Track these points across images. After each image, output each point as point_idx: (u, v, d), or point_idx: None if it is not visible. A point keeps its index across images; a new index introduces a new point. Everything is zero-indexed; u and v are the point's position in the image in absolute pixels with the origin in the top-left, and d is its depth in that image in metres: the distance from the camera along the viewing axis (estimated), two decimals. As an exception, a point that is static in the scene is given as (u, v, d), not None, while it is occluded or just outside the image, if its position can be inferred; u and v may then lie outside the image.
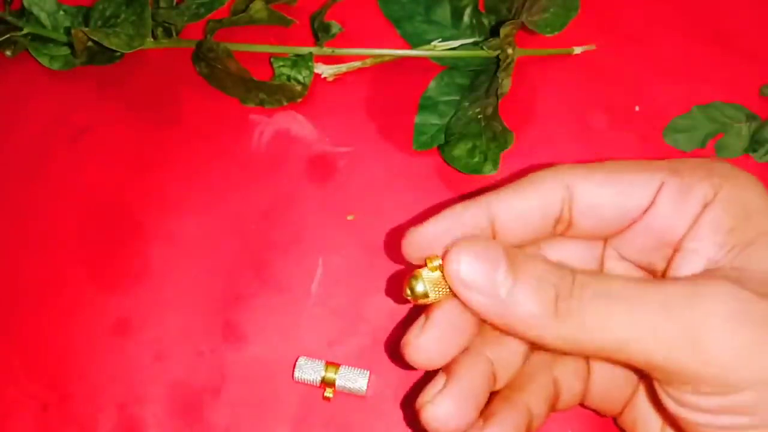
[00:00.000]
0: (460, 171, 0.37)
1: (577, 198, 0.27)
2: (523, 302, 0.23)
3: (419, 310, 0.27)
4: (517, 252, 0.24)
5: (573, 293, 0.23)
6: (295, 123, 0.41)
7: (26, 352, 0.36)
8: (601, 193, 0.26)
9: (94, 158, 0.40)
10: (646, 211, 0.26)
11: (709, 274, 0.25)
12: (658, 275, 0.28)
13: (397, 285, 0.37)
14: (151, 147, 0.40)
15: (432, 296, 0.25)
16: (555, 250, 0.29)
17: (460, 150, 0.37)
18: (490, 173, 0.37)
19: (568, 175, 0.27)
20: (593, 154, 0.40)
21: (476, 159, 0.37)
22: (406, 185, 0.39)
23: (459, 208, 0.26)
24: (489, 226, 0.26)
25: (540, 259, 0.25)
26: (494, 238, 0.27)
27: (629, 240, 0.28)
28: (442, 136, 0.39)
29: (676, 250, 0.26)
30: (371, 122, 0.41)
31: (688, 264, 0.25)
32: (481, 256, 0.24)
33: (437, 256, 0.25)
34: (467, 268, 0.24)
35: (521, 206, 0.27)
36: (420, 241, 0.26)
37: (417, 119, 0.40)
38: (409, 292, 0.25)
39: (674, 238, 0.26)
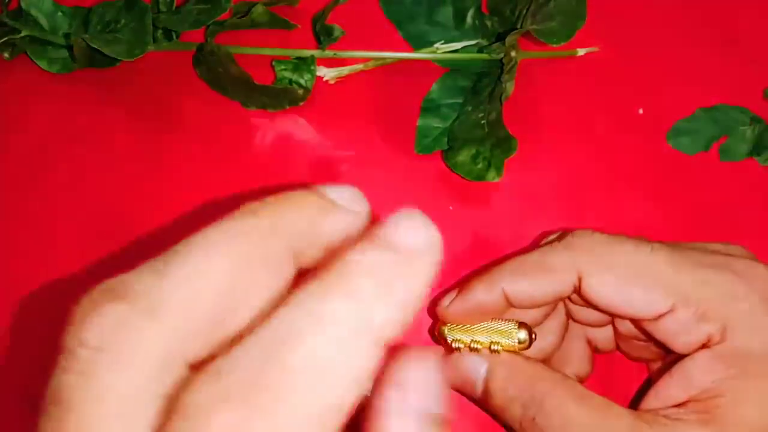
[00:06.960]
0: (463, 177, 0.37)
1: (584, 288, 0.28)
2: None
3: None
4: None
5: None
6: (297, 126, 0.40)
7: (27, 360, 0.36)
8: (609, 296, 0.28)
9: (94, 162, 0.40)
10: (648, 320, 0.28)
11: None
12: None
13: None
14: (151, 151, 0.40)
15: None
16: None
17: (463, 156, 0.37)
18: (494, 180, 0.36)
19: (580, 264, 0.28)
20: (596, 158, 0.39)
21: (480, 165, 0.37)
22: (409, 189, 0.39)
23: (475, 291, 0.30)
24: (503, 301, 0.30)
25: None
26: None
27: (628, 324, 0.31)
28: (445, 139, 0.39)
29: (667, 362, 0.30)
30: (373, 125, 0.40)
31: (669, 389, 0.28)
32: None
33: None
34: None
35: (531, 290, 0.29)
36: (445, 314, 0.31)
37: (419, 122, 0.40)
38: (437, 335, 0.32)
39: (668, 352, 0.29)
